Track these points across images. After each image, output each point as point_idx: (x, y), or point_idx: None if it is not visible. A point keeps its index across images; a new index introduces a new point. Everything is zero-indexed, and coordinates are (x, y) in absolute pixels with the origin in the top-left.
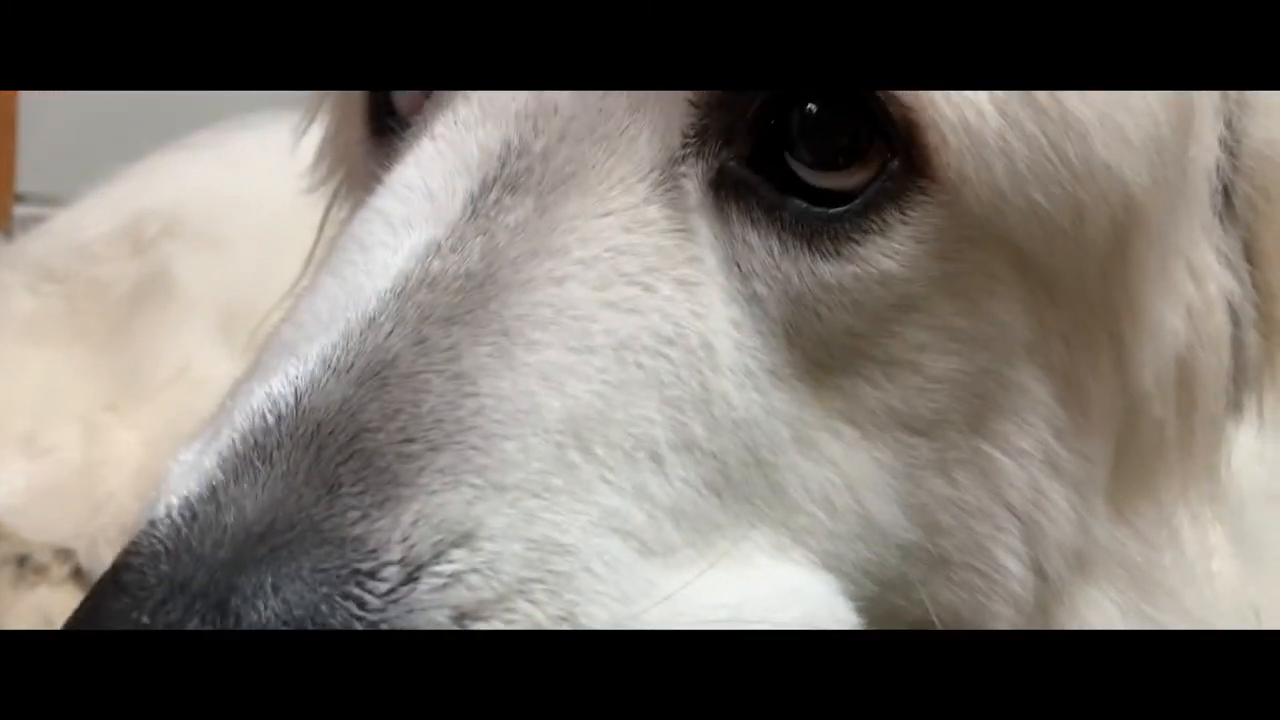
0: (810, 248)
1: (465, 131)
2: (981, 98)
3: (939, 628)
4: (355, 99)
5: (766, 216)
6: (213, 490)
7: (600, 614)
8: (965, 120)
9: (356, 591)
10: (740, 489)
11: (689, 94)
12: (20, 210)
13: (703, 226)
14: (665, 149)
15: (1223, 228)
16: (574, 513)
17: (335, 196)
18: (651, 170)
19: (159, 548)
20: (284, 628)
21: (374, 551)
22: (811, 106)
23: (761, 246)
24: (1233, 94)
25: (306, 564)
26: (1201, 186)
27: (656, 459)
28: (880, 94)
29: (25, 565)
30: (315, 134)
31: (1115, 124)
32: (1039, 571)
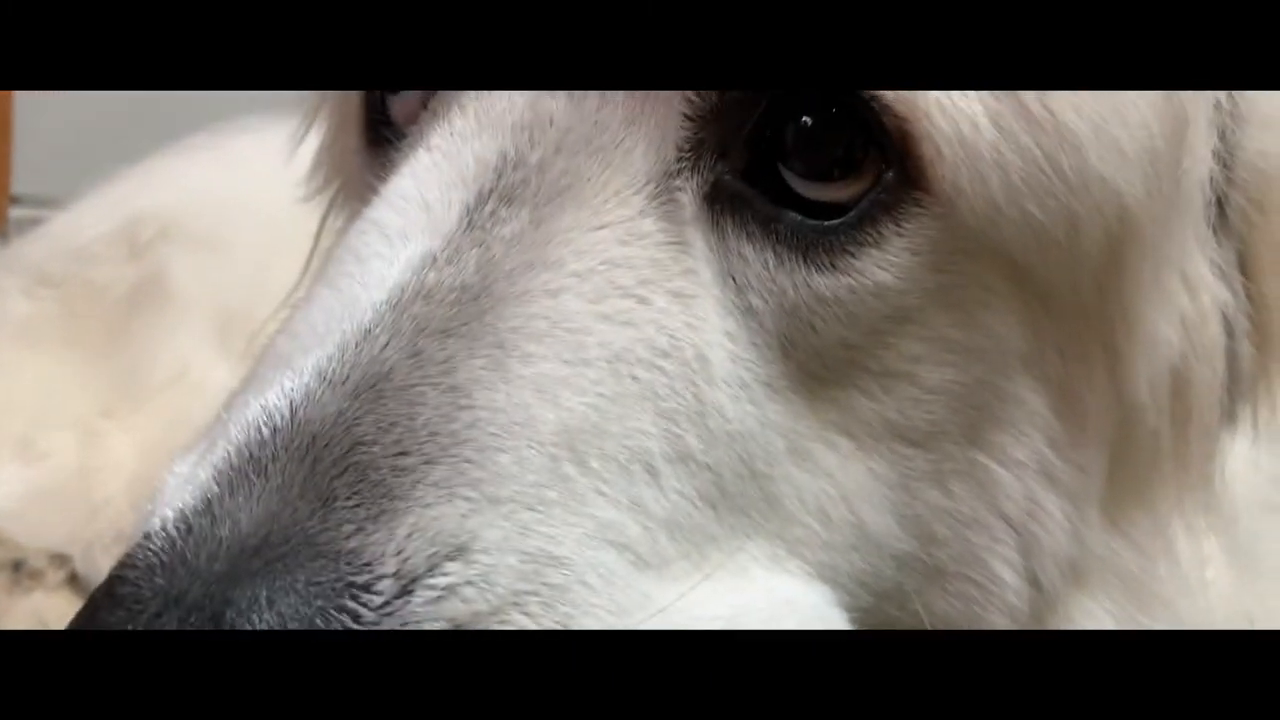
0: (805, 260)
1: (461, 143)
2: (977, 110)
3: None
4: (352, 107)
5: (761, 230)
6: (208, 503)
7: (595, 626)
8: (960, 132)
9: (351, 605)
10: (735, 501)
11: (684, 108)
12: (16, 212)
13: (698, 239)
14: (660, 162)
15: (1216, 239)
16: (569, 525)
17: (331, 205)
18: (647, 183)
19: (154, 560)
20: None
21: (368, 565)
22: (806, 119)
23: (757, 259)
24: (1226, 106)
25: (301, 577)
26: (1195, 198)
27: (651, 471)
28: (875, 105)
29: (20, 570)
30: (312, 141)
31: (1110, 136)
32: (1034, 582)
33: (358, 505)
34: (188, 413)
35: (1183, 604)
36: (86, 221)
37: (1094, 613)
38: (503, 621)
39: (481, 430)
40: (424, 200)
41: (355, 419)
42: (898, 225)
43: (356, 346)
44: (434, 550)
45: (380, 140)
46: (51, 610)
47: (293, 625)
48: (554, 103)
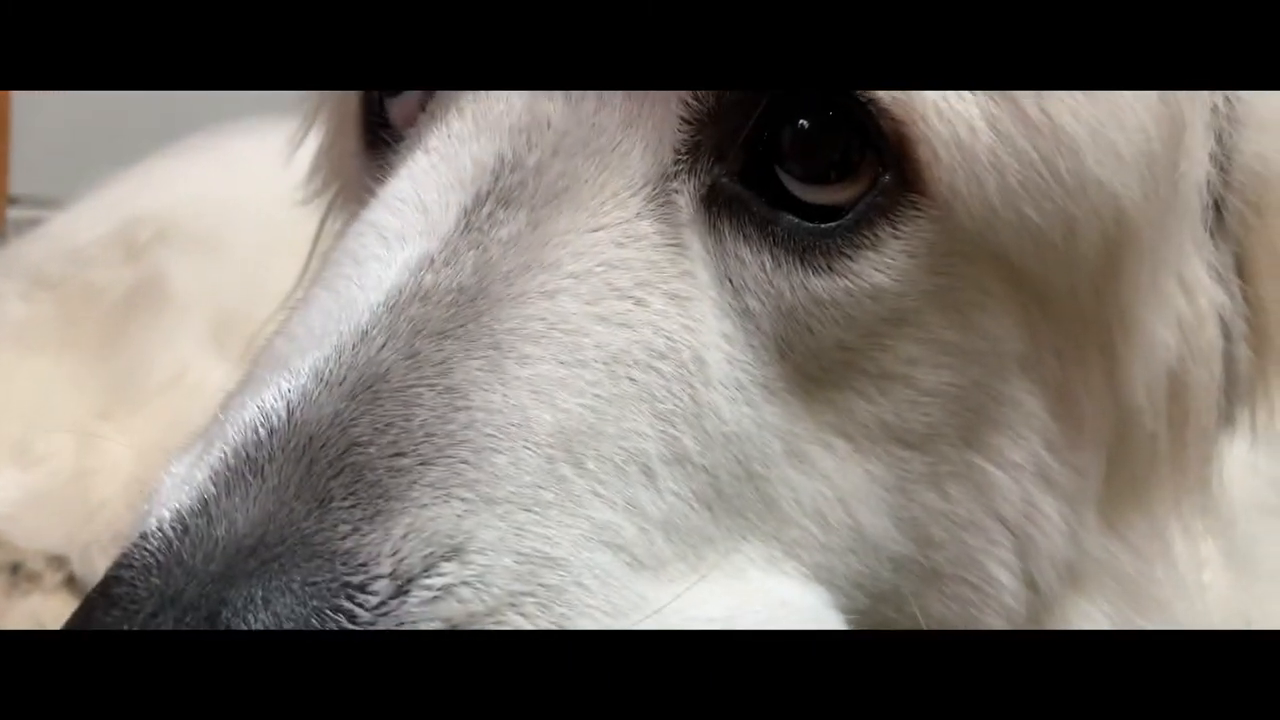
0: (802, 263)
1: (459, 145)
2: (974, 113)
3: None
4: (350, 109)
5: (759, 232)
6: (204, 503)
7: (590, 627)
8: (957, 135)
9: (347, 605)
10: (732, 502)
11: (681, 111)
12: (14, 213)
13: (695, 242)
14: (657, 165)
15: (1214, 242)
16: (565, 526)
17: (330, 208)
18: (644, 185)
19: (150, 561)
20: None
21: (364, 565)
22: (803, 122)
23: (754, 261)
24: (1224, 110)
25: (297, 577)
26: (1192, 201)
27: (648, 472)
28: (871, 109)
29: (18, 573)
30: (310, 144)
31: (1107, 139)
32: (1031, 584)
33: (354, 506)
34: (185, 415)
35: (1179, 607)
36: (83, 223)
37: (1090, 615)
38: (499, 622)
39: (478, 431)
40: (421, 202)
41: (352, 420)
42: (894, 228)
43: (353, 348)
44: (430, 551)
45: (378, 143)
46: (49, 613)
47: (288, 625)
48: (551, 105)
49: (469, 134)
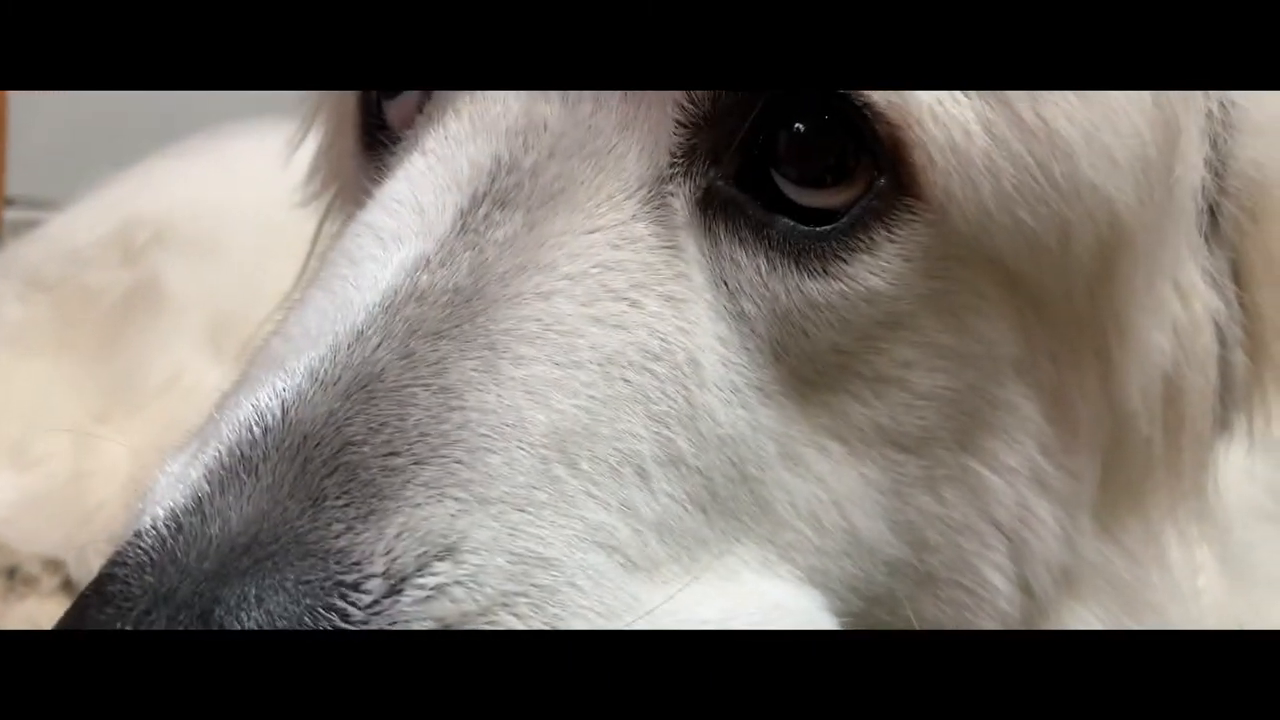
0: (798, 266)
1: (456, 147)
2: (969, 117)
3: None
4: (348, 111)
5: (754, 235)
6: (198, 502)
7: (583, 628)
8: (952, 140)
9: (340, 604)
10: (726, 505)
11: (677, 114)
12: (10, 214)
13: (690, 244)
14: (653, 167)
15: (1209, 248)
16: (558, 527)
17: (328, 210)
18: (639, 188)
19: (144, 559)
20: None
21: (358, 564)
22: (799, 126)
23: (749, 265)
24: (1219, 115)
25: (290, 576)
26: (1187, 207)
27: (642, 474)
28: (867, 112)
29: (14, 576)
30: (309, 146)
31: (1101, 144)
32: (1026, 588)
33: (347, 505)
34: (182, 417)
35: (1174, 611)
36: (80, 226)
37: (1085, 619)
38: (491, 622)
39: (472, 431)
40: (418, 203)
41: (346, 419)
42: (889, 231)
43: (349, 348)
44: (423, 550)
45: (376, 144)
46: (46, 616)
47: (281, 624)
48: (548, 108)
49: (466, 136)
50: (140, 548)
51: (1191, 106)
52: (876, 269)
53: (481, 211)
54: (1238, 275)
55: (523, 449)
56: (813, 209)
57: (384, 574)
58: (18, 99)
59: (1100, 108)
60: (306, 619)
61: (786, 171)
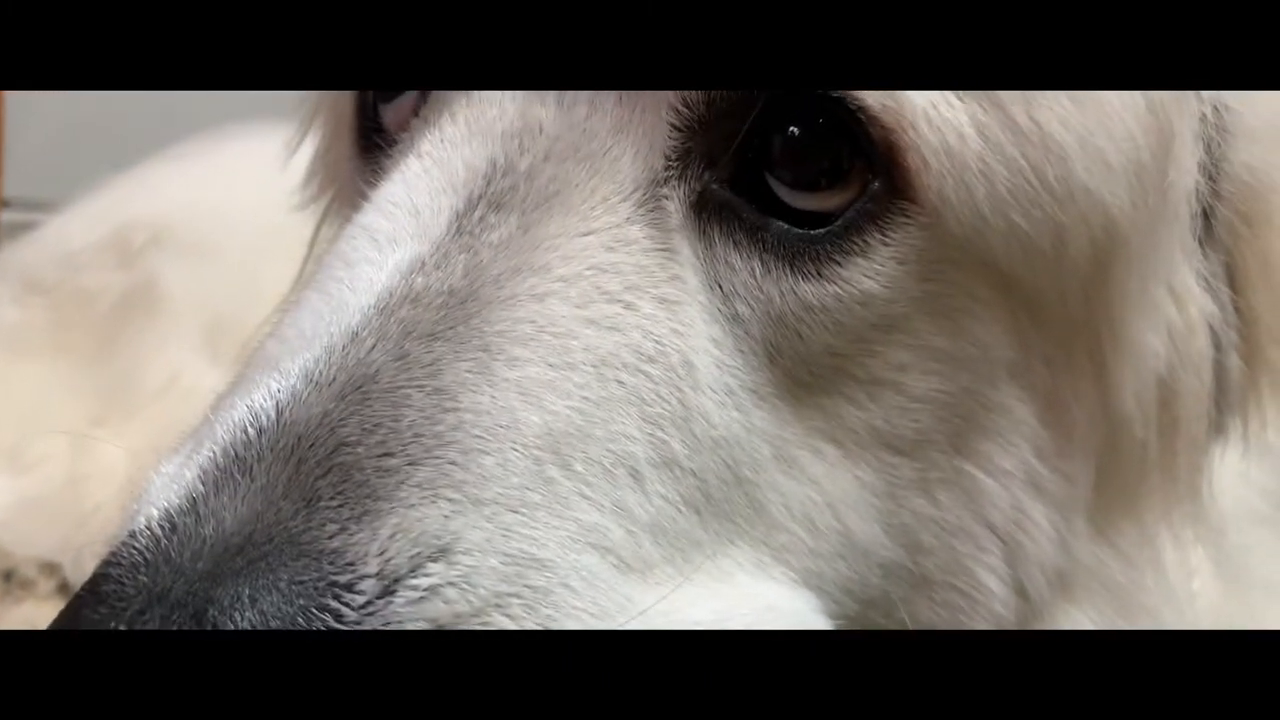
0: (792, 269)
1: (451, 150)
2: (963, 121)
3: None
4: (346, 114)
5: (749, 238)
6: (193, 502)
7: (576, 629)
8: (946, 143)
9: (333, 604)
10: (720, 507)
11: (672, 118)
12: (7, 216)
13: (684, 247)
14: (648, 170)
15: (1203, 252)
16: (552, 528)
17: (326, 213)
18: (634, 190)
19: (138, 559)
20: None
21: (351, 564)
22: (794, 129)
23: (744, 267)
24: (1212, 120)
25: (284, 576)
26: (1181, 210)
27: (636, 476)
28: (861, 116)
29: (11, 580)
30: (307, 149)
31: (1095, 148)
32: (1020, 591)
33: (341, 505)
34: (179, 420)
35: (1169, 614)
36: (77, 229)
37: (1080, 622)
38: (484, 623)
39: (466, 432)
40: (414, 206)
41: (340, 420)
42: (884, 235)
43: (343, 349)
44: (417, 551)
45: (372, 147)
46: (43, 619)
47: (275, 624)
48: (543, 110)
49: (461, 138)
50: (134, 548)
51: (1185, 111)
52: (870, 272)
53: (477, 214)
54: (1232, 279)
55: (516, 450)
56: (807, 212)
57: (377, 575)
58: (14, 101)
59: (1094, 112)
60: (300, 619)
61: (781, 175)
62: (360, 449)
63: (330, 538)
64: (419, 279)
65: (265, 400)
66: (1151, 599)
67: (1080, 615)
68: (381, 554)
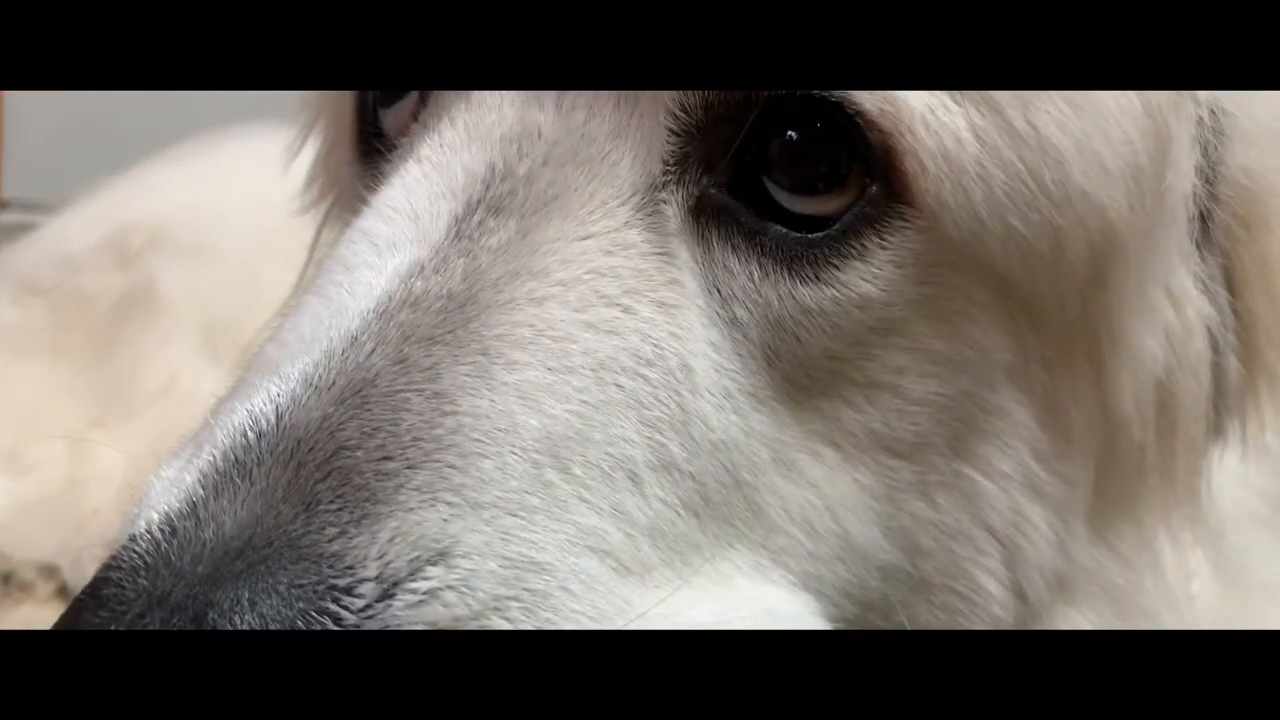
0: (790, 272)
1: (450, 155)
2: (960, 125)
3: None
4: (346, 119)
5: (747, 242)
6: (193, 506)
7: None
8: (944, 147)
9: (332, 607)
10: (719, 510)
11: (669, 123)
12: (5, 218)
13: (682, 251)
14: (646, 175)
15: (1200, 255)
16: (550, 531)
17: (327, 217)
18: (632, 195)
19: (138, 562)
20: None
21: (350, 568)
22: (792, 133)
23: (742, 271)
24: (1210, 123)
25: (284, 579)
26: (1179, 214)
27: (634, 479)
28: (859, 121)
29: (10, 582)
30: (307, 153)
31: (1092, 151)
32: (1019, 594)
33: (340, 509)
34: (177, 424)
35: (1168, 616)
36: (75, 230)
37: (1079, 624)
38: (483, 626)
39: (465, 436)
40: (413, 210)
41: (340, 424)
42: (881, 238)
43: (343, 353)
44: (416, 554)
45: (372, 152)
46: (42, 622)
47: (274, 627)
48: (542, 115)
49: (461, 143)
50: (134, 551)
51: (1182, 114)
52: (869, 275)
53: (476, 218)
54: (1230, 282)
55: (515, 454)
56: (805, 215)
57: (376, 578)
58: (13, 102)
59: (1091, 115)
60: (299, 623)
61: (779, 179)
62: (359, 453)
63: (330, 541)
64: (418, 283)
65: (265, 404)
66: (1150, 601)
67: (1079, 617)
68: (381, 557)
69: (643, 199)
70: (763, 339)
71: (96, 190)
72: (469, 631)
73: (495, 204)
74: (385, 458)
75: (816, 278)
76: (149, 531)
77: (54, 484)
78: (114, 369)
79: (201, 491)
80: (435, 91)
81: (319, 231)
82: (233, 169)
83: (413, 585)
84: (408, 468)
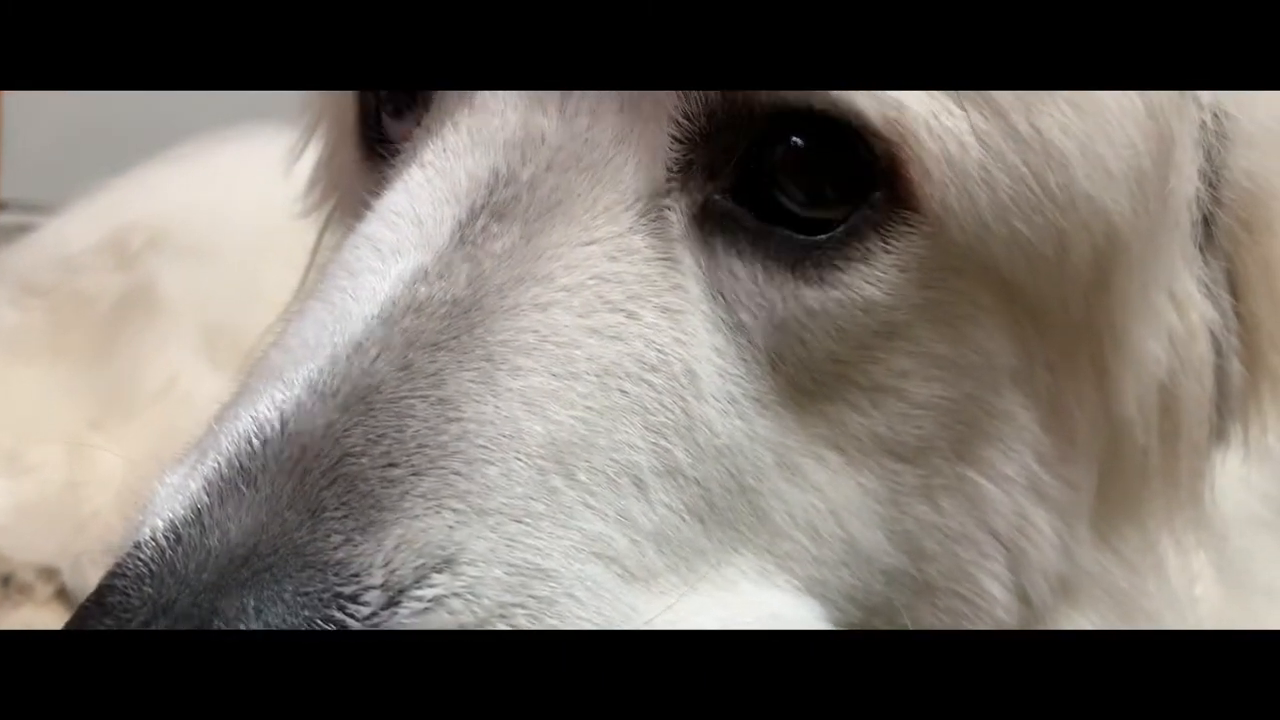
0: (794, 274)
1: (454, 159)
2: (964, 129)
3: None
4: (349, 122)
5: (751, 246)
6: (197, 513)
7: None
8: (948, 152)
9: (338, 615)
10: (724, 515)
11: (673, 130)
12: (4, 218)
13: (686, 256)
14: (650, 181)
15: (1203, 258)
16: (556, 538)
17: (328, 221)
18: (636, 200)
19: (143, 570)
20: None
21: (356, 575)
22: (796, 140)
23: (746, 275)
24: (1212, 126)
25: (289, 587)
26: (1182, 217)
27: (639, 485)
28: (864, 131)
29: (9, 585)
30: (310, 156)
31: (1096, 155)
32: (1023, 597)
33: (346, 516)
34: (177, 425)
35: (1171, 619)
36: (74, 231)
37: (1082, 627)
38: None
39: (470, 442)
40: (416, 215)
41: (345, 431)
42: (885, 242)
43: (347, 359)
44: (421, 562)
45: (374, 156)
46: (41, 625)
47: None
48: (545, 121)
49: (464, 148)
50: (139, 559)
51: (1185, 117)
52: (873, 279)
53: (479, 224)
54: (1233, 285)
55: (520, 460)
56: (809, 219)
57: (382, 586)
58: (13, 103)
59: (1094, 118)
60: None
61: (783, 184)
62: (365, 460)
63: (335, 549)
64: (422, 288)
65: (270, 411)
66: (1154, 604)
67: (1082, 620)
68: (386, 565)
69: (646, 205)
70: (767, 343)
71: (96, 191)
72: (472, 632)
73: (499, 209)
74: (390, 464)
75: (821, 279)
76: (154, 539)
77: (53, 485)
78: (113, 370)
79: (206, 498)
80: (438, 96)
81: (320, 234)
82: (233, 170)
83: (418, 593)
84: (413, 474)
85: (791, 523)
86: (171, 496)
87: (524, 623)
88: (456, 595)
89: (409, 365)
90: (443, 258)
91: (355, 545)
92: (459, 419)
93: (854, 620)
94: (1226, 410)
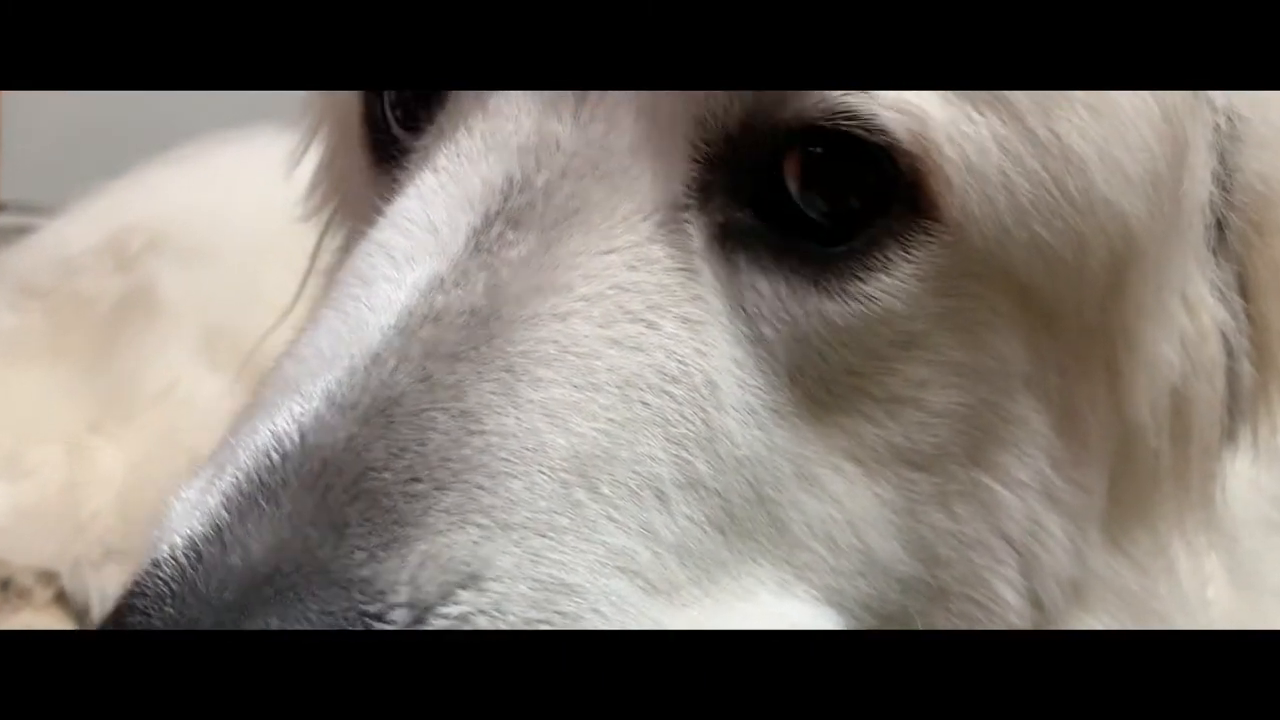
0: (816, 287)
1: (468, 165)
2: (984, 135)
3: None
4: (352, 125)
5: (775, 261)
6: (218, 530)
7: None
8: (968, 159)
9: None
10: (744, 526)
11: (691, 152)
12: (3, 220)
13: (706, 269)
14: (668, 193)
15: (1216, 261)
16: (580, 552)
17: (329, 224)
18: (654, 211)
19: (163, 589)
20: None
21: (381, 593)
22: (817, 153)
23: (770, 291)
24: (1225, 129)
25: (314, 606)
26: (1195, 220)
27: (661, 497)
28: (887, 146)
29: (8, 589)
30: (310, 159)
31: (1113, 158)
32: (1036, 602)
33: (369, 532)
34: (177, 428)
35: (1182, 621)
36: (73, 233)
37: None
38: None
39: (492, 456)
40: (430, 222)
41: (366, 445)
42: (906, 251)
43: (365, 371)
44: (446, 578)
45: (382, 160)
46: (40, 628)
47: None
48: (560, 127)
49: (478, 153)
50: (159, 578)
51: (1199, 120)
52: (892, 289)
53: (495, 231)
54: (1244, 288)
55: (543, 473)
56: (830, 229)
57: (408, 604)
58: (12, 104)
59: (1111, 122)
60: None
61: (805, 198)
62: (387, 474)
63: (360, 566)
64: (439, 298)
65: (288, 424)
66: (1165, 607)
67: (1094, 623)
68: (411, 582)
69: (665, 215)
70: (788, 356)
71: (96, 192)
72: (490, 632)
73: (514, 216)
74: (413, 479)
75: (843, 291)
76: (174, 556)
77: (52, 489)
78: (113, 372)
79: (226, 515)
80: (450, 100)
81: (321, 238)
82: (233, 171)
83: (444, 610)
84: (436, 489)
85: (809, 533)
86: (189, 512)
87: None
88: (483, 612)
89: (428, 377)
90: (459, 266)
91: (380, 562)
92: (481, 432)
93: (869, 628)
94: (1237, 412)
